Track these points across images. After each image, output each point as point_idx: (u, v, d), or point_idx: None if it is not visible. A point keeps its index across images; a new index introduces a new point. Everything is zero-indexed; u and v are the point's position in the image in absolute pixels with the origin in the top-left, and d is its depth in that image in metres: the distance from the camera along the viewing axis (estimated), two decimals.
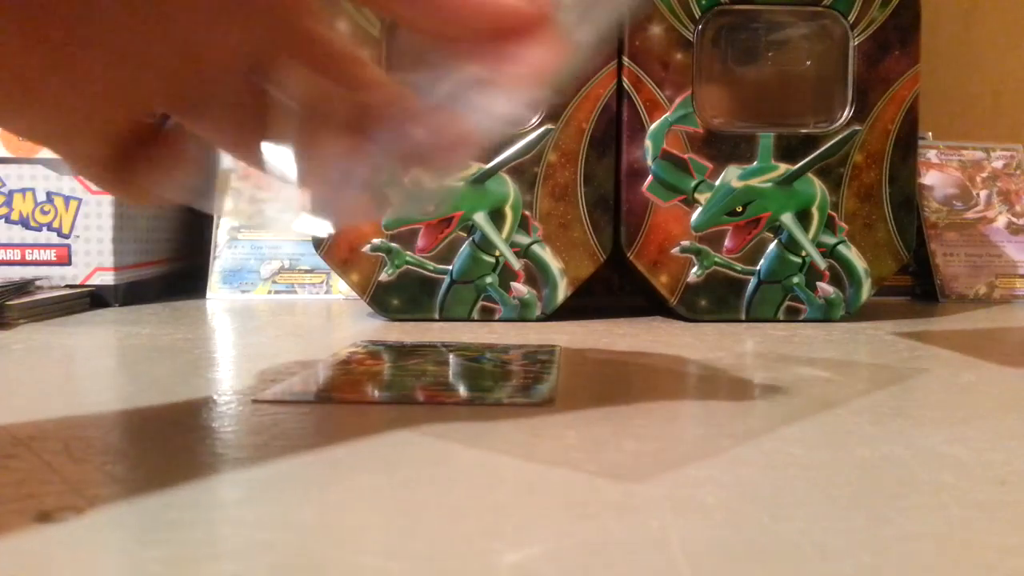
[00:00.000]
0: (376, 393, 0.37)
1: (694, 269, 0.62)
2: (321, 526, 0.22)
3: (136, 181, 0.25)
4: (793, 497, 0.24)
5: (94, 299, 0.69)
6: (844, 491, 0.24)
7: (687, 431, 0.31)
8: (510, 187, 0.61)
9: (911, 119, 0.62)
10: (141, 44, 0.21)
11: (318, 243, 0.62)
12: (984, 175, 0.88)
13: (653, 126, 0.61)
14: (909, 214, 0.63)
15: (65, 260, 0.69)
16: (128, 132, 0.24)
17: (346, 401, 0.35)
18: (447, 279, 0.62)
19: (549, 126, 0.61)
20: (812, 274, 0.62)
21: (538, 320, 0.62)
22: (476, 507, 0.23)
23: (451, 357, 0.46)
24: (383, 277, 0.61)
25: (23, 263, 0.69)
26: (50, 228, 0.69)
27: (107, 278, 0.69)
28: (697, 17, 0.61)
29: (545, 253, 0.62)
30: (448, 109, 0.24)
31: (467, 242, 0.61)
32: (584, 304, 0.71)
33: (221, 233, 0.80)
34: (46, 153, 0.70)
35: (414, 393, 0.37)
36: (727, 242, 0.62)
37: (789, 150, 0.62)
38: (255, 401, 0.35)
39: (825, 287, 0.63)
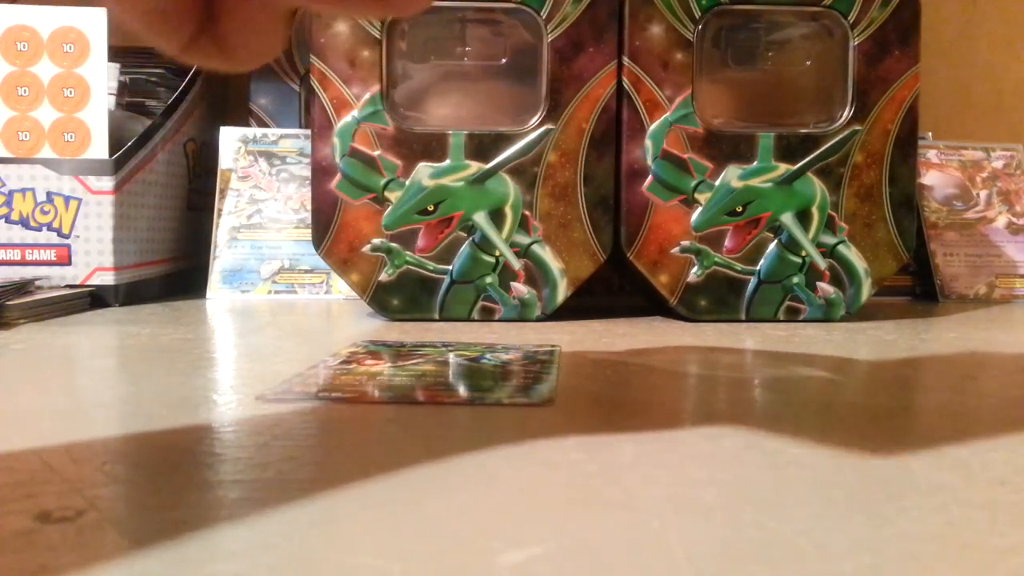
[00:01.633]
0: (376, 393, 0.37)
1: (694, 269, 0.62)
2: (321, 526, 0.22)
3: (220, 44, 0.22)
4: (793, 497, 0.24)
5: (94, 299, 0.69)
6: (844, 491, 0.24)
7: (687, 431, 0.31)
8: (510, 187, 0.61)
9: (911, 119, 0.62)
10: None
11: (318, 243, 0.61)
12: (984, 175, 0.88)
13: (653, 126, 0.61)
14: (909, 214, 0.63)
15: (65, 260, 0.69)
16: None
17: (346, 401, 0.35)
18: (447, 279, 0.62)
19: (549, 126, 0.61)
20: (812, 274, 0.62)
21: (538, 320, 0.62)
22: (476, 507, 0.23)
23: (451, 357, 0.46)
24: (383, 277, 0.61)
25: (23, 263, 0.69)
26: (50, 228, 0.69)
27: (107, 278, 0.69)
28: (697, 17, 0.61)
29: (545, 253, 0.62)
30: None
31: (467, 242, 0.61)
32: (584, 304, 0.71)
33: (221, 233, 0.79)
34: (46, 153, 0.70)
35: (414, 393, 0.37)
36: (727, 242, 0.62)
37: (789, 150, 0.62)
38: (256, 400, 0.35)
39: (825, 287, 0.63)
